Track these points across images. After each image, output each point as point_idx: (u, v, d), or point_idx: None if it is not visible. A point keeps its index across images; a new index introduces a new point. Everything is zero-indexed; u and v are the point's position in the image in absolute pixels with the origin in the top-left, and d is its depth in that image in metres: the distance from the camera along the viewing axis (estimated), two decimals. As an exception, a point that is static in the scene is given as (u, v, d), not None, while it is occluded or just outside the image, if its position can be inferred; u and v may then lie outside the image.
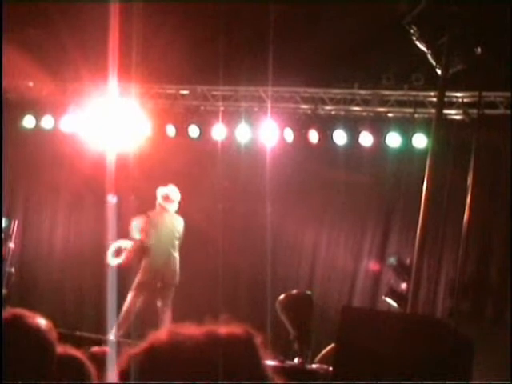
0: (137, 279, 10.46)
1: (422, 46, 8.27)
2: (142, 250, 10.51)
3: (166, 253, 10.48)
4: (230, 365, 1.61)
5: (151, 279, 10.40)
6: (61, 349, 2.54)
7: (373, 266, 11.21)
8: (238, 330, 1.69)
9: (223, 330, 1.67)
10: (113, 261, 10.49)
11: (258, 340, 1.72)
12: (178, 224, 10.63)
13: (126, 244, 10.59)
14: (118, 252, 10.60)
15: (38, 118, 12.52)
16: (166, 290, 10.45)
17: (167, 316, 10.36)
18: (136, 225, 10.60)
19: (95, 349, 4.12)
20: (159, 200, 10.60)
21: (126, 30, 9.42)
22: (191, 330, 1.66)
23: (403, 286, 10.13)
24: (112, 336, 9.90)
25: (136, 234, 10.58)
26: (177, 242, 10.59)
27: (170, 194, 10.58)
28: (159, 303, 10.42)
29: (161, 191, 10.60)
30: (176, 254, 10.53)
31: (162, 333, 1.67)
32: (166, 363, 1.60)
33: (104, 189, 10.02)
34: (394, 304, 10.19)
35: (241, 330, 1.70)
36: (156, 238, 10.50)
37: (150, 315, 10.34)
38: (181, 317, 10.21)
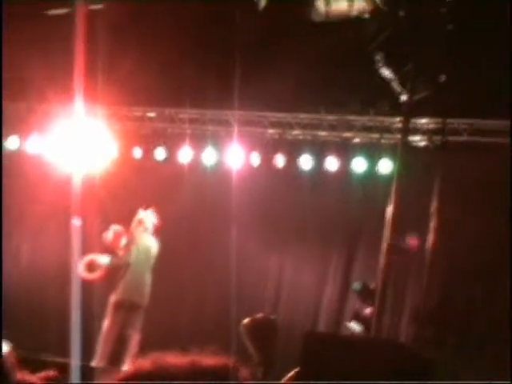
0: (112, 299, 10.35)
1: (387, 73, 8.36)
2: (119, 268, 10.43)
3: (142, 273, 10.44)
4: None
5: (126, 299, 10.32)
6: (20, 375, 2.52)
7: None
8: (223, 362, 1.68)
9: (208, 360, 1.66)
10: (86, 275, 10.39)
11: (244, 373, 1.71)
12: (153, 246, 10.62)
13: (103, 260, 10.49)
14: (91, 266, 10.49)
15: (2, 138, 12.43)
16: (135, 312, 10.37)
17: (135, 340, 10.27)
18: (113, 232, 10.54)
19: (42, 375, 4.07)
20: (136, 223, 10.56)
21: (93, 51, 9.41)
22: (176, 358, 1.65)
23: (368, 310, 10.16)
24: (94, 363, 9.83)
25: (110, 235, 10.50)
26: (151, 264, 10.56)
27: (145, 218, 10.56)
28: (128, 326, 10.32)
29: (140, 214, 10.57)
30: (149, 276, 10.49)
31: (146, 360, 1.66)
32: None
33: (69, 211, 9.96)
34: (359, 329, 10.20)
35: (226, 361, 1.69)
36: (135, 256, 10.45)
37: (118, 338, 10.26)
38: (145, 339, 10.15)
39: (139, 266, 10.43)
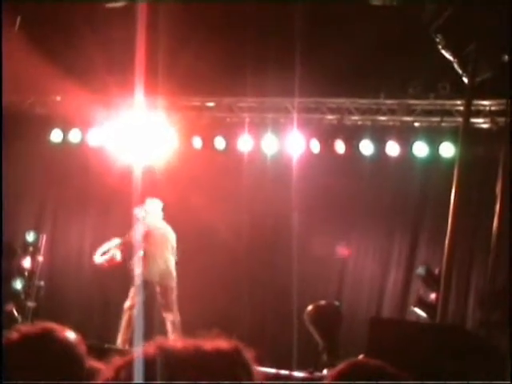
0: (133, 284, 10.58)
1: (448, 55, 8.24)
2: (130, 247, 10.61)
3: (159, 257, 10.60)
4: (215, 379, 1.61)
5: (148, 282, 10.52)
6: (90, 362, 2.55)
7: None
8: (225, 345, 1.69)
9: (210, 344, 1.67)
10: (98, 259, 10.65)
11: (248, 355, 1.71)
12: (168, 230, 10.76)
13: (112, 243, 10.74)
14: (104, 253, 10.77)
15: (65, 131, 12.63)
16: (167, 294, 10.55)
17: (173, 322, 10.46)
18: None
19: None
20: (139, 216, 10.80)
21: (152, 43, 9.47)
22: (179, 343, 1.66)
23: (432, 296, 10.05)
24: (118, 344, 10.07)
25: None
26: (171, 246, 10.69)
27: (150, 208, 10.75)
28: (163, 308, 10.52)
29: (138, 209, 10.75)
30: (172, 258, 10.63)
31: (149, 346, 1.67)
32: (151, 376, 1.60)
33: (131, 202, 10.07)
34: (424, 314, 10.10)
35: (228, 345, 1.69)
36: (151, 242, 10.61)
37: (156, 322, 10.36)
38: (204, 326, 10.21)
39: (155, 253, 10.57)
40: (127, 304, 10.49)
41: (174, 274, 10.64)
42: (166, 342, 1.67)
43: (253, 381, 1.68)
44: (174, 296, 10.61)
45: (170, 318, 10.49)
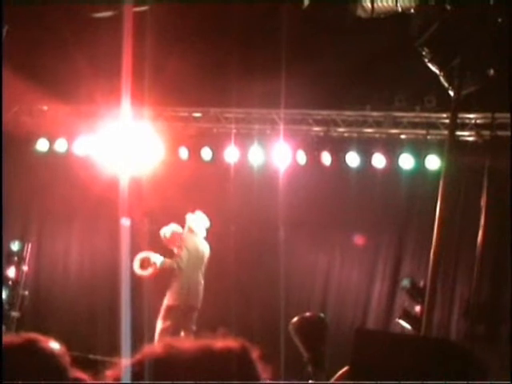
0: (166, 302, 10.43)
1: (434, 68, 8.28)
2: (171, 271, 10.50)
3: (195, 276, 10.49)
4: (224, 378, 1.61)
5: (182, 304, 10.39)
6: (74, 373, 2.54)
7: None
8: (233, 344, 1.69)
9: (218, 344, 1.67)
10: (139, 271, 10.49)
11: (255, 354, 1.72)
12: (206, 249, 10.66)
13: (156, 258, 10.57)
14: (145, 263, 10.58)
15: (51, 141, 12.59)
16: (190, 314, 10.44)
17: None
18: (171, 231, 10.61)
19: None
20: (187, 227, 10.62)
21: (139, 53, 9.47)
22: (186, 343, 1.67)
23: (417, 308, 10.08)
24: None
25: (168, 234, 10.57)
26: (203, 267, 10.62)
27: (196, 222, 10.60)
28: (183, 328, 10.38)
29: (190, 218, 10.60)
30: (202, 278, 10.55)
31: (157, 346, 1.67)
32: (160, 375, 1.60)
33: (117, 211, 10.04)
34: (408, 327, 10.12)
35: (236, 344, 1.70)
36: (187, 260, 10.50)
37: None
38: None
39: (192, 270, 10.48)
40: (161, 325, 10.31)
41: (201, 295, 10.56)
42: (173, 342, 1.68)
43: (259, 379, 1.69)
44: (194, 316, 10.48)
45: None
